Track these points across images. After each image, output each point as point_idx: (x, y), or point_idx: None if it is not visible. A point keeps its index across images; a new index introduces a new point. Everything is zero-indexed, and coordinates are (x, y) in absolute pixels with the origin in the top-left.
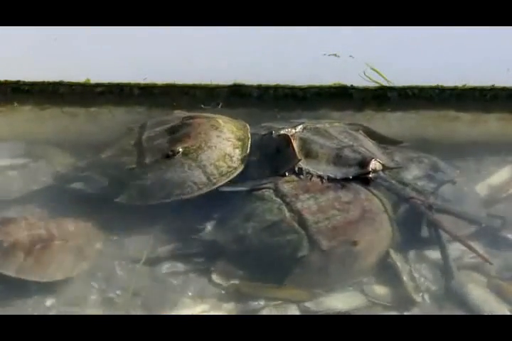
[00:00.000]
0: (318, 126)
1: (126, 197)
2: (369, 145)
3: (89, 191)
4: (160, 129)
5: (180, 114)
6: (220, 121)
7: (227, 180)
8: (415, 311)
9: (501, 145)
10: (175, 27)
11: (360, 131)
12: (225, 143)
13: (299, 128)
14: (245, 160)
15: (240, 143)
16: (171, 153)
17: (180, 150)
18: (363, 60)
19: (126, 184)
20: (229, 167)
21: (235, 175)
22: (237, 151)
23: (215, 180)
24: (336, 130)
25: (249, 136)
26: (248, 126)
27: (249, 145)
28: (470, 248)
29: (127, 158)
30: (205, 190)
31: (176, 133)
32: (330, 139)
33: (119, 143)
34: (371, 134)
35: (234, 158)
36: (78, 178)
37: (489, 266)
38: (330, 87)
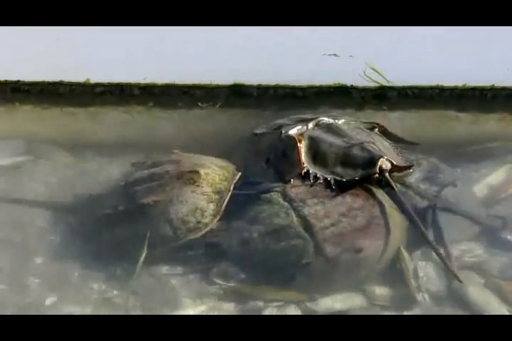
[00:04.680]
0: (331, 122)
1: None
2: (382, 144)
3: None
4: (146, 173)
5: (176, 156)
6: (202, 172)
7: (194, 236)
8: (416, 311)
9: (501, 145)
10: (175, 27)
11: (376, 131)
12: (198, 198)
13: (311, 125)
14: (218, 215)
15: (216, 196)
16: (140, 204)
17: (151, 203)
18: (363, 60)
19: (99, 232)
20: (198, 222)
21: (203, 231)
22: (211, 206)
23: (182, 236)
24: (349, 127)
25: (231, 188)
26: (237, 176)
27: (227, 199)
28: (442, 259)
29: (110, 201)
30: (171, 244)
31: (155, 181)
32: (341, 137)
33: (113, 180)
34: (386, 134)
35: (206, 213)
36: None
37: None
38: (330, 87)
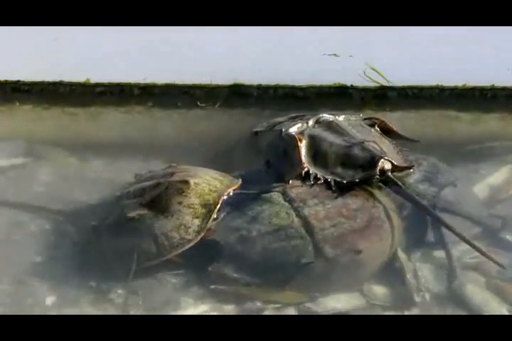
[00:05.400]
0: (331, 119)
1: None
2: (383, 143)
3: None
4: (139, 187)
5: (171, 169)
6: (192, 182)
7: (176, 253)
8: (416, 311)
9: (501, 145)
10: (175, 27)
11: (376, 127)
12: (184, 211)
13: (311, 122)
14: (202, 232)
15: (203, 210)
16: (127, 217)
17: (136, 217)
18: (363, 60)
19: (86, 244)
20: (181, 239)
21: (186, 247)
22: (196, 222)
23: (165, 252)
24: (349, 124)
25: (221, 201)
26: (230, 189)
27: (213, 214)
28: (479, 250)
29: (102, 210)
30: (155, 261)
31: (146, 194)
32: (341, 135)
33: (113, 181)
34: (387, 130)
35: (190, 230)
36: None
37: (489, 266)
38: (330, 87)
